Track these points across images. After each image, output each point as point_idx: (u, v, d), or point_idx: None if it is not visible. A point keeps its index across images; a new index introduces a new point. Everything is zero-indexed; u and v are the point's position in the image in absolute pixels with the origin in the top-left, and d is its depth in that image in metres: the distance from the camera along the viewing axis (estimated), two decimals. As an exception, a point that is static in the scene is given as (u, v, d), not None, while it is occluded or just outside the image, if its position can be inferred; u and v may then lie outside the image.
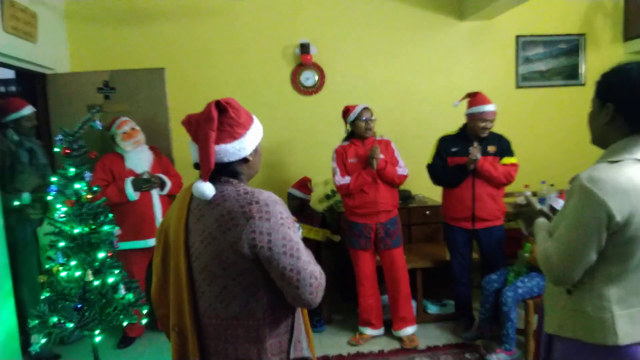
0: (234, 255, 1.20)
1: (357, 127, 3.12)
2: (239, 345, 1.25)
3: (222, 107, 1.25)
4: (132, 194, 3.13)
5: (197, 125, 1.25)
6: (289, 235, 1.21)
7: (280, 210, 1.23)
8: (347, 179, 3.09)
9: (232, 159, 1.27)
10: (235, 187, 1.26)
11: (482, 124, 3.06)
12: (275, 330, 1.28)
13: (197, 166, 1.30)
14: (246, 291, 1.24)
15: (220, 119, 1.24)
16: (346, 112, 3.18)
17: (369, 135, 3.12)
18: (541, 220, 1.53)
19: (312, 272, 1.22)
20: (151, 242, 3.20)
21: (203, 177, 1.23)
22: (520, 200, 1.67)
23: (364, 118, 3.08)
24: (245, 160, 1.30)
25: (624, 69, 1.32)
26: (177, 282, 1.30)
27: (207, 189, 1.22)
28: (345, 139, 3.23)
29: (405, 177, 3.12)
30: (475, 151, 2.99)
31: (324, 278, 1.28)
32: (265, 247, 1.18)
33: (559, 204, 2.74)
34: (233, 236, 1.19)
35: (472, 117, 3.12)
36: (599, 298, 1.31)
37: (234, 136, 1.26)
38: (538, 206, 1.60)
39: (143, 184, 3.16)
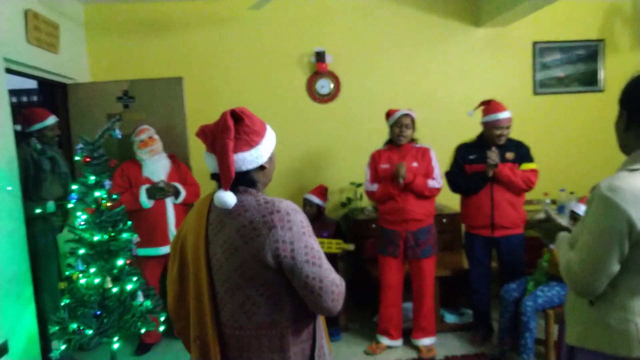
0: (257, 265, 1.21)
1: (392, 133, 3.12)
2: (263, 355, 1.26)
3: (237, 116, 1.26)
4: (145, 201, 3.18)
5: (213, 136, 1.26)
6: (310, 244, 1.23)
7: (300, 219, 1.25)
8: (374, 187, 3.10)
9: (250, 167, 1.28)
10: (254, 197, 1.27)
11: (498, 132, 3.04)
12: (298, 338, 1.29)
13: (214, 176, 1.31)
14: (269, 301, 1.25)
15: (236, 127, 1.25)
16: (388, 115, 3.17)
17: (402, 142, 3.08)
18: (563, 234, 1.51)
19: (333, 280, 1.24)
20: (163, 249, 3.23)
21: (224, 187, 1.23)
22: (540, 215, 1.62)
23: (400, 124, 3.06)
24: (261, 167, 1.32)
25: (638, 76, 1.33)
26: (197, 294, 1.29)
27: (229, 198, 1.23)
28: (385, 143, 3.22)
29: (437, 189, 3.03)
30: (493, 155, 2.96)
31: (344, 285, 1.29)
32: (288, 256, 1.19)
33: (580, 209, 2.69)
34: (256, 246, 1.20)
35: (487, 126, 3.10)
36: (623, 310, 1.29)
37: (250, 144, 1.27)
38: (559, 220, 1.57)
39: (157, 192, 3.20)
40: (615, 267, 1.26)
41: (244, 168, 1.27)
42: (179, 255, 1.38)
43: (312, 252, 1.22)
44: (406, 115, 3.07)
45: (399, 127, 3.06)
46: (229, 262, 1.23)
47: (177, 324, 1.44)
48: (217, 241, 1.26)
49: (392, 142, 3.15)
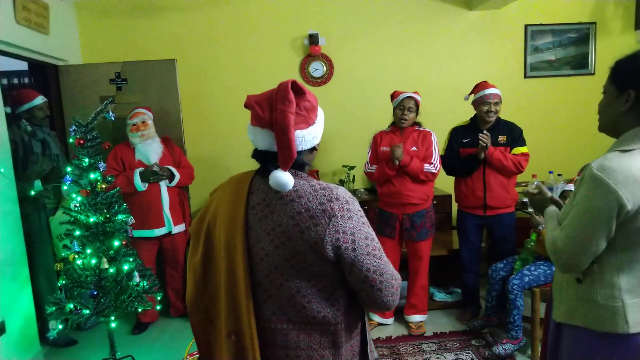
0: (313, 256, 1.11)
1: (395, 115, 3.12)
2: (313, 352, 1.16)
3: (298, 88, 1.13)
4: (140, 185, 3.19)
5: (270, 108, 1.12)
6: (370, 235, 1.14)
7: (358, 207, 1.16)
8: (372, 168, 3.14)
9: (307, 147, 1.17)
10: (308, 182, 1.15)
11: (486, 107, 3.07)
12: (350, 334, 1.21)
13: (258, 154, 1.20)
14: (322, 294, 1.15)
15: (297, 101, 1.12)
16: (392, 96, 3.15)
17: (404, 124, 3.07)
18: (552, 208, 1.54)
19: (392, 273, 1.16)
20: (157, 232, 3.28)
21: (283, 167, 1.10)
22: (532, 188, 1.65)
23: (402, 107, 3.05)
24: (312, 149, 1.22)
25: None
26: (231, 285, 1.17)
27: (289, 180, 1.10)
28: (390, 125, 3.21)
29: (433, 174, 3.02)
30: (484, 138, 3.00)
31: (400, 279, 1.20)
32: (349, 248, 1.09)
33: (572, 188, 2.76)
34: (314, 236, 1.09)
35: (476, 104, 3.14)
36: (610, 287, 1.32)
37: (308, 122, 1.16)
38: (549, 194, 1.59)
39: (151, 175, 3.22)
40: (602, 246, 1.28)
41: (300, 148, 1.15)
42: (204, 239, 1.24)
43: (372, 243, 1.13)
44: (409, 97, 3.05)
45: (402, 109, 3.05)
46: (278, 251, 1.12)
47: (193, 318, 1.29)
48: (263, 228, 1.14)
49: (395, 124, 3.15)
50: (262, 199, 1.16)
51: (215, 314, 1.24)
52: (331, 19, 4.15)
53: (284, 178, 1.10)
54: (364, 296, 1.15)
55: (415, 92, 3.10)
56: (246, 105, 1.18)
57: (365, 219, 1.16)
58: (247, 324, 1.14)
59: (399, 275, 1.20)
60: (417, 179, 3.02)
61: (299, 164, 1.19)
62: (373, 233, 1.16)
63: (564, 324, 1.44)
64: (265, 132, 1.14)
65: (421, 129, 3.14)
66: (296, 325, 1.16)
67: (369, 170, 3.17)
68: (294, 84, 1.13)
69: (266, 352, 1.17)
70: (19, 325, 2.78)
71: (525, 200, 3.72)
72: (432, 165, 3.02)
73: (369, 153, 3.19)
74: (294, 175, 1.15)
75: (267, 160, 1.18)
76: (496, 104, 3.08)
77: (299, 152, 1.16)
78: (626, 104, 1.30)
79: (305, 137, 1.16)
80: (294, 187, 1.13)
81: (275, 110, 1.10)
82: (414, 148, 3.04)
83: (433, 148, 3.05)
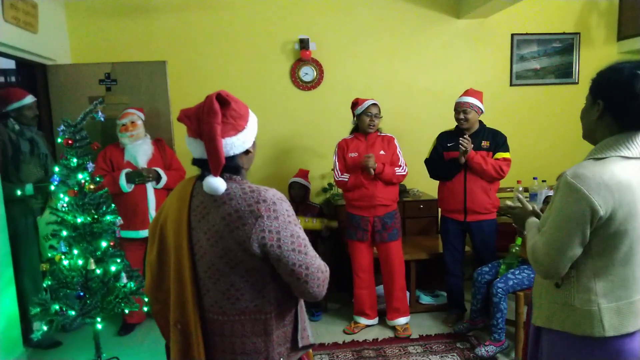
0: (242, 253, 1.21)
1: (361, 122, 3.17)
2: (246, 340, 1.28)
3: (223, 100, 1.23)
4: (124, 185, 3.19)
5: (198, 120, 1.23)
6: (296, 232, 1.25)
7: (286, 207, 1.25)
8: (345, 177, 3.17)
9: (237, 152, 1.27)
10: (239, 185, 1.26)
11: (456, 115, 3.16)
12: (282, 322, 1.32)
13: (196, 162, 1.30)
14: (254, 287, 1.26)
15: (223, 111, 1.22)
16: (355, 104, 3.22)
17: (372, 131, 3.17)
18: (532, 219, 1.57)
19: (319, 267, 1.28)
20: (143, 233, 3.27)
21: (214, 173, 1.21)
22: (513, 201, 1.69)
23: (369, 113, 3.13)
24: (246, 152, 1.32)
25: (616, 67, 1.36)
26: (179, 279, 1.29)
27: (220, 184, 1.21)
28: (351, 132, 3.28)
29: (404, 176, 3.17)
30: (464, 142, 3.05)
31: (329, 271, 1.34)
32: (274, 245, 1.20)
33: None
34: (242, 235, 1.20)
35: (454, 111, 3.21)
36: (586, 291, 1.35)
37: (237, 129, 1.26)
38: (529, 207, 1.63)
39: (136, 177, 3.22)
40: (577, 251, 1.32)
41: (232, 153, 1.26)
42: (158, 239, 1.37)
43: (298, 240, 1.24)
44: (375, 104, 3.15)
45: (369, 116, 3.13)
46: (213, 249, 1.23)
47: (153, 307, 1.43)
48: (201, 228, 1.25)
49: (358, 131, 3.23)
50: (201, 202, 1.28)
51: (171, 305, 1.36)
52: (322, 25, 4.19)
53: (214, 183, 1.21)
54: (294, 287, 1.27)
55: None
56: (179, 119, 1.28)
57: (292, 218, 1.26)
58: (192, 315, 1.27)
59: (326, 268, 1.32)
60: (390, 183, 3.13)
61: (233, 167, 1.28)
62: (300, 231, 1.27)
63: (543, 328, 1.47)
64: (198, 142, 1.25)
65: (383, 134, 3.23)
66: (230, 316, 1.27)
67: (340, 179, 3.20)
68: (219, 95, 1.22)
69: (207, 339, 1.30)
70: (1, 327, 2.75)
71: (510, 203, 3.78)
72: (401, 169, 3.15)
73: (336, 161, 3.22)
74: (228, 179, 1.26)
75: (203, 167, 1.28)
76: (465, 111, 3.12)
77: (231, 157, 1.27)
78: (596, 113, 1.38)
79: (235, 143, 1.26)
80: (226, 190, 1.23)
81: (202, 122, 1.21)
82: (382, 152, 3.14)
83: (398, 152, 3.19)
